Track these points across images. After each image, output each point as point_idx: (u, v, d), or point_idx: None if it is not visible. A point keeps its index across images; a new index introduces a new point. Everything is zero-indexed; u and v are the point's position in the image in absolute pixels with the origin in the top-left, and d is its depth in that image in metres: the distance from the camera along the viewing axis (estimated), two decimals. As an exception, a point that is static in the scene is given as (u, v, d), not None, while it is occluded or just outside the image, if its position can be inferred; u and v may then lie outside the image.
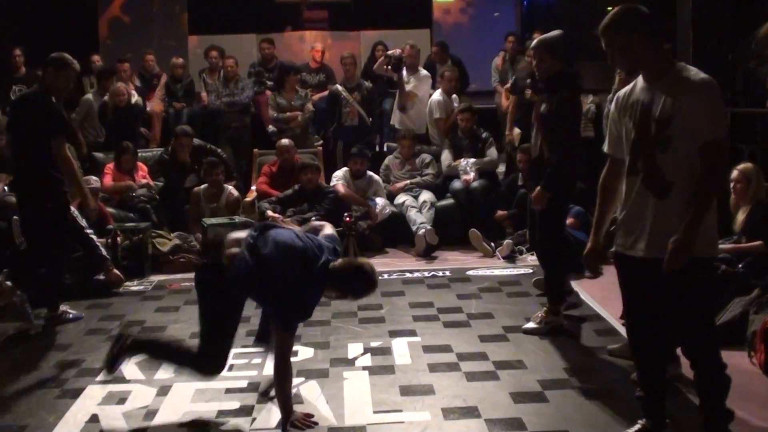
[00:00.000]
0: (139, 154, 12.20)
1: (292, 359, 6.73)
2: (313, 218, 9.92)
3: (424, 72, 13.09)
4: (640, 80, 4.97)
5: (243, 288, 5.65)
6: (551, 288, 7.61)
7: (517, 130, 11.88)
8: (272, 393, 6.05)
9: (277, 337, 5.54)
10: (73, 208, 9.22)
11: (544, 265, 7.73)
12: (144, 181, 11.50)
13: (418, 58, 13.19)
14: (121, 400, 6.10)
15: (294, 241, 5.56)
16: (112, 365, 6.08)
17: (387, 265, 10.36)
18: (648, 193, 4.80)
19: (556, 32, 7.49)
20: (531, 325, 7.46)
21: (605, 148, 5.19)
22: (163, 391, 6.24)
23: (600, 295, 7.95)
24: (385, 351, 7.06)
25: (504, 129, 13.15)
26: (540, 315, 7.49)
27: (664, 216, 4.75)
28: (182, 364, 5.92)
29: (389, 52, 12.81)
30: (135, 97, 12.96)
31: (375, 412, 5.78)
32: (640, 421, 5.26)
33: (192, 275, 9.45)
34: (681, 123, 4.65)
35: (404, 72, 12.71)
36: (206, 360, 5.74)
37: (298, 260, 5.46)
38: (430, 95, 12.89)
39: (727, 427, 4.99)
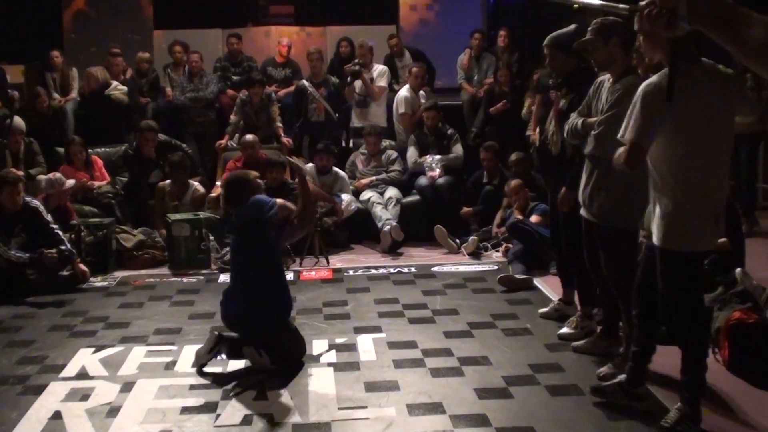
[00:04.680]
0: (103, 150, 12.15)
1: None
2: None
3: (380, 67, 13.09)
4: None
5: None
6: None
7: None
8: (235, 390, 6.06)
9: None
10: (38, 203, 9.19)
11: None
12: (104, 182, 11.43)
13: (371, 56, 13.18)
14: (85, 397, 6.06)
15: None
16: (202, 365, 6.56)
17: (352, 261, 10.37)
18: None
19: (568, 27, 7.17)
20: (566, 330, 7.28)
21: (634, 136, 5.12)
22: (127, 387, 6.20)
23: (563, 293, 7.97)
24: (350, 347, 7.05)
25: (469, 125, 13.19)
26: (575, 319, 7.29)
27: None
28: None
29: (347, 67, 12.86)
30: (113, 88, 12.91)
31: (340, 409, 5.77)
32: (620, 376, 5.66)
33: (156, 271, 9.52)
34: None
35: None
36: None
37: None
38: (393, 88, 12.93)
39: None
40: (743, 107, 5.13)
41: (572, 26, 7.15)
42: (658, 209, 5.18)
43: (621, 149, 5.19)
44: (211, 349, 6.59)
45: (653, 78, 5.08)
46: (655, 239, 5.21)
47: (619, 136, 5.17)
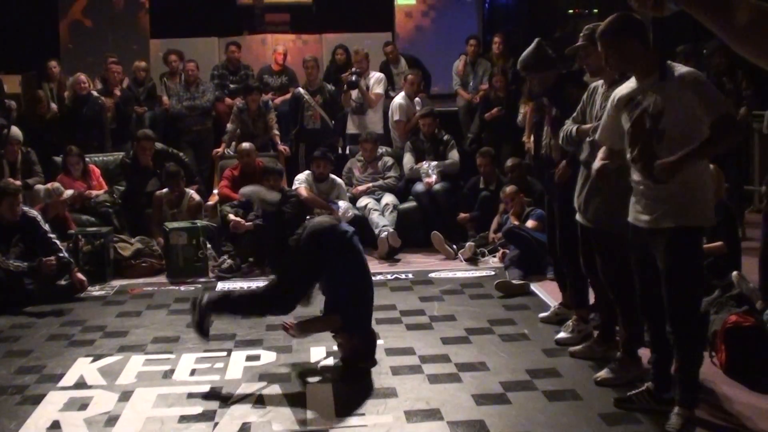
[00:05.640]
0: (101, 159, 12.15)
1: (254, 363, 6.77)
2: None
3: (377, 75, 13.11)
4: (633, 79, 5.44)
5: None
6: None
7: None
8: (233, 398, 6.08)
9: None
10: (35, 213, 9.20)
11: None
12: (101, 191, 11.42)
13: (367, 63, 13.18)
14: (83, 406, 6.05)
15: None
16: (202, 332, 6.68)
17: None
18: (646, 179, 5.24)
19: (529, 48, 7.20)
20: (563, 335, 7.29)
21: (597, 137, 5.76)
22: (125, 396, 6.20)
23: (561, 297, 7.98)
24: (348, 354, 7.03)
25: (465, 131, 13.21)
26: (571, 324, 7.31)
27: (659, 195, 5.22)
28: (260, 307, 6.92)
29: (344, 75, 12.86)
30: (95, 94, 12.86)
31: (337, 416, 5.78)
32: (647, 384, 5.68)
33: (154, 279, 9.52)
34: (672, 115, 5.11)
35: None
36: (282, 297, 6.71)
37: None
38: (389, 95, 12.96)
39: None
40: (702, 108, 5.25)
41: (533, 44, 7.24)
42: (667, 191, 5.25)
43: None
44: (193, 308, 6.76)
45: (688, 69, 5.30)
46: (668, 222, 5.27)
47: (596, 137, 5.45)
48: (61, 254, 9.05)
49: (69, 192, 10.62)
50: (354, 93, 12.70)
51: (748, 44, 2.53)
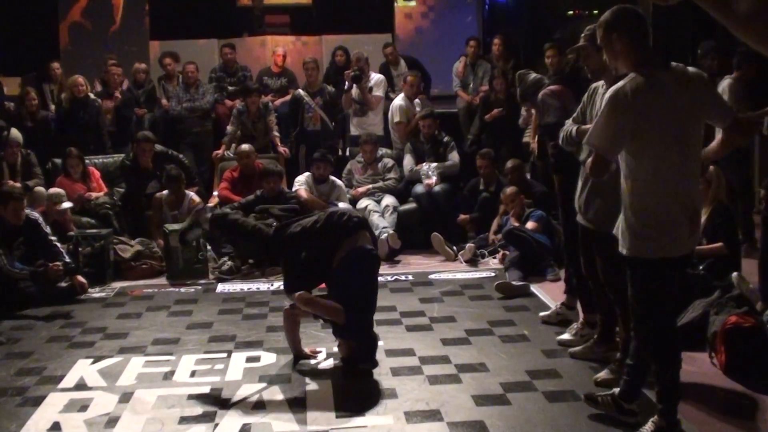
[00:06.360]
0: (101, 161, 12.15)
1: (254, 365, 6.77)
2: (274, 224, 9.89)
3: (377, 77, 13.09)
4: None
5: None
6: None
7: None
8: (234, 399, 6.08)
9: None
10: (37, 215, 9.19)
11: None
12: (101, 193, 11.41)
13: (367, 67, 13.14)
14: (83, 408, 6.05)
15: None
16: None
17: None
18: None
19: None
20: (566, 336, 7.30)
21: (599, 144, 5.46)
22: (125, 398, 6.21)
23: (562, 298, 7.97)
24: (348, 355, 7.03)
25: (465, 133, 13.20)
26: (576, 327, 7.32)
27: None
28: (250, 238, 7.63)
29: (347, 72, 12.84)
30: (93, 96, 12.84)
31: (338, 417, 5.78)
32: (614, 388, 5.62)
33: (154, 281, 9.51)
34: None
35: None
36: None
37: None
38: (389, 97, 12.95)
39: None
40: (713, 112, 5.13)
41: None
42: (623, 217, 5.17)
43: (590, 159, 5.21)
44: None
45: (620, 83, 5.05)
46: (622, 248, 5.16)
47: (584, 141, 5.27)
48: (62, 258, 9.04)
49: (66, 205, 10.51)
50: (355, 93, 12.67)
51: (749, 31, 2.54)
